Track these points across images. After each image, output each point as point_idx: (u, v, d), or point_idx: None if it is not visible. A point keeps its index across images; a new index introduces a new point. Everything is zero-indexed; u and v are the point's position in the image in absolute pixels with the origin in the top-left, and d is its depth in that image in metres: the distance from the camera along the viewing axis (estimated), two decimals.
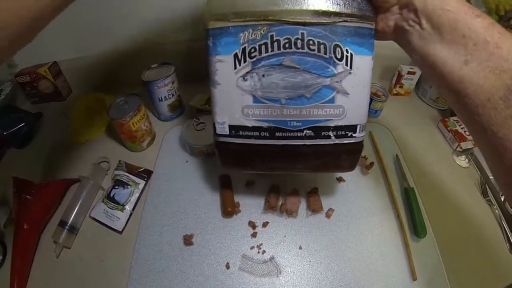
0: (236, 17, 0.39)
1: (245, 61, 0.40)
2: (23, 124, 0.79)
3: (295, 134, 0.43)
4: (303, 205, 0.64)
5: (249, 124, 0.43)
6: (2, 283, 0.53)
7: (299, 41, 0.39)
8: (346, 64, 0.40)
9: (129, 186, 0.65)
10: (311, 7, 0.38)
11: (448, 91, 0.34)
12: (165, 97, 0.77)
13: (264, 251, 0.56)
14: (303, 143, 0.44)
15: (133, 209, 0.63)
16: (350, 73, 0.41)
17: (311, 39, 0.39)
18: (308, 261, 0.56)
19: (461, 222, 0.63)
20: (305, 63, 0.40)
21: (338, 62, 0.40)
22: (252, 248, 0.57)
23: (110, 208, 0.62)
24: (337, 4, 0.38)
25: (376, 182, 0.69)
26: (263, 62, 0.40)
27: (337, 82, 0.41)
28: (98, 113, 0.79)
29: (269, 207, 0.62)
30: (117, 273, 0.55)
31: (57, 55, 0.89)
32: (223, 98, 0.43)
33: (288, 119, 0.43)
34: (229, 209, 0.61)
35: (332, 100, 0.42)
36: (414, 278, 0.54)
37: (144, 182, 0.67)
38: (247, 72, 0.41)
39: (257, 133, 0.44)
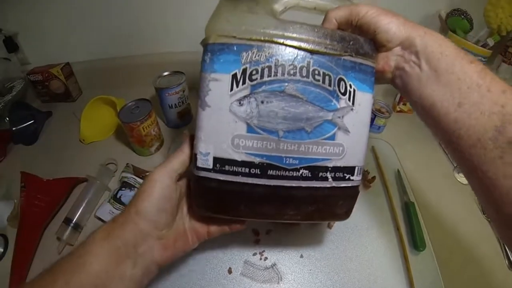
0: (242, 35, 0.36)
1: (244, 83, 0.36)
2: (32, 121, 0.81)
3: (290, 173, 0.38)
4: None
5: (238, 158, 0.36)
6: (2, 275, 0.54)
7: (304, 68, 0.36)
8: (349, 99, 0.38)
9: (135, 189, 0.66)
10: (318, 37, 0.37)
11: (443, 133, 0.36)
12: (175, 104, 0.78)
13: (266, 258, 0.57)
14: (298, 184, 0.38)
15: None
16: (352, 109, 0.39)
17: (316, 69, 0.37)
18: (309, 269, 0.57)
19: (461, 238, 0.64)
20: (309, 93, 0.37)
21: (342, 96, 0.38)
22: (254, 254, 0.58)
23: (116, 209, 0.63)
24: (343, 38, 0.38)
25: (377, 196, 0.71)
26: (263, 87, 0.36)
27: (339, 117, 0.38)
28: (108, 116, 0.81)
29: None
30: None
31: (70, 56, 0.91)
32: (211, 123, 0.36)
33: (284, 155, 0.37)
34: None
35: (332, 137, 0.38)
36: None
37: None
38: (245, 96, 0.36)
39: (247, 170, 0.37)
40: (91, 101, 0.79)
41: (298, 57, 0.36)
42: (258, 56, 0.36)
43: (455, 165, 0.77)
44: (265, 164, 0.37)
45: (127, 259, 0.36)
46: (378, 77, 0.42)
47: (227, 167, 0.37)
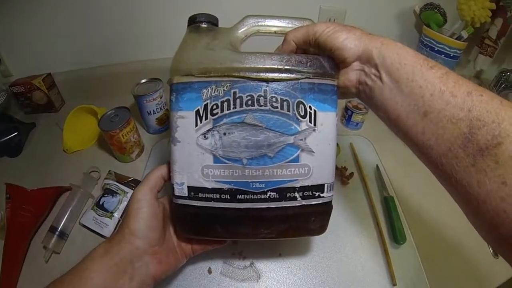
0: (200, 73, 0.38)
1: (206, 118, 0.38)
2: (16, 133, 0.82)
3: (258, 196, 0.40)
4: None
5: (209, 185, 0.40)
6: None
7: (261, 98, 0.38)
8: (310, 121, 0.39)
9: (118, 195, 0.67)
10: (274, 65, 0.38)
11: (413, 144, 0.35)
12: (153, 110, 0.80)
13: (244, 257, 0.58)
14: (267, 206, 0.40)
15: (121, 217, 0.65)
16: (314, 130, 0.39)
17: (274, 96, 0.38)
18: (288, 267, 0.58)
19: (443, 230, 0.65)
20: (268, 120, 0.38)
21: (302, 119, 0.39)
22: (233, 254, 0.59)
23: (99, 215, 0.64)
24: (300, 62, 0.39)
25: (355, 191, 0.72)
26: (224, 120, 0.38)
27: (301, 140, 0.39)
28: (89, 125, 0.82)
29: None
30: None
31: (52, 67, 0.92)
32: (182, 156, 0.40)
33: (250, 180, 0.39)
34: None
35: (296, 159, 0.39)
36: (393, 283, 0.56)
37: (132, 191, 0.69)
38: (208, 130, 0.38)
39: (217, 196, 0.40)
40: (73, 111, 0.80)
41: (255, 88, 0.38)
42: (217, 91, 0.38)
43: None
44: (233, 190, 0.39)
45: (124, 274, 0.39)
46: (343, 92, 0.42)
47: (200, 194, 0.40)
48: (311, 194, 0.41)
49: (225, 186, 0.39)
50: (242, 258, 0.59)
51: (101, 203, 0.65)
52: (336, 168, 0.75)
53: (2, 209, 0.64)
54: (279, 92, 0.38)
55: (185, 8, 0.84)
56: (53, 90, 0.92)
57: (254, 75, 0.38)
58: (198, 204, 0.40)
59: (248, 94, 0.38)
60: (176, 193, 0.41)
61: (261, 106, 0.38)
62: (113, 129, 0.69)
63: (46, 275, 0.58)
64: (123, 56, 0.93)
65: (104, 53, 0.92)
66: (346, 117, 0.88)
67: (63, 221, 0.63)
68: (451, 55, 0.85)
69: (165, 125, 0.86)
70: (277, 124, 0.39)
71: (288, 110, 0.39)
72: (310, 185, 0.41)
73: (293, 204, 0.41)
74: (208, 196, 0.40)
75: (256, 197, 0.40)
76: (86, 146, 0.82)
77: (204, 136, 0.39)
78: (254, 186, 0.39)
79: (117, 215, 0.65)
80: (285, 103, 0.38)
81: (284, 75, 0.38)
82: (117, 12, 0.86)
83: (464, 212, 0.35)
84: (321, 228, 0.46)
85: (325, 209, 0.44)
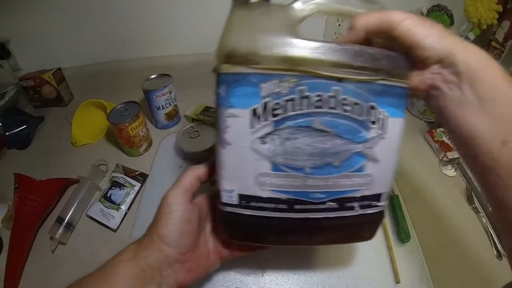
0: (258, 62, 0.31)
1: (266, 120, 0.33)
2: (25, 126, 0.83)
3: (317, 206, 0.36)
4: None
5: (264, 195, 0.35)
6: None
7: (332, 99, 0.33)
8: (380, 128, 0.35)
9: (125, 188, 0.67)
10: (347, 60, 0.32)
11: (478, 168, 0.32)
12: (162, 106, 0.80)
13: None
14: (325, 215, 0.37)
15: (128, 209, 0.66)
16: (383, 138, 0.35)
17: (346, 98, 0.33)
18: (293, 263, 0.58)
19: (447, 228, 0.64)
20: (336, 126, 0.34)
21: (372, 125, 0.34)
22: None
23: (106, 208, 0.64)
24: (374, 58, 0.33)
25: None
26: (287, 123, 0.33)
27: (369, 148, 0.35)
28: (98, 119, 0.83)
29: None
30: None
31: (62, 62, 0.93)
32: (233, 161, 0.35)
33: (310, 190, 0.35)
34: None
35: (361, 169, 0.36)
36: (397, 281, 0.55)
37: (140, 184, 0.70)
38: (267, 134, 0.33)
39: (273, 205, 0.36)
40: (82, 104, 0.81)
41: (325, 86, 0.33)
42: (280, 87, 0.32)
43: (440, 158, 0.78)
44: (291, 200, 0.36)
45: (151, 281, 0.36)
46: (411, 94, 0.37)
47: (252, 203, 0.36)
48: (368, 204, 0.38)
49: (283, 196, 0.35)
50: None
51: (108, 195, 0.66)
52: None
53: (10, 200, 0.65)
54: (352, 93, 0.33)
55: (194, 5, 0.85)
56: (63, 85, 0.93)
57: (325, 73, 0.32)
58: (250, 213, 0.36)
59: (317, 93, 0.32)
60: (224, 200, 0.37)
61: (331, 108, 0.33)
62: (122, 123, 0.69)
63: (51, 265, 0.58)
64: (133, 52, 0.94)
65: (114, 49, 0.93)
66: None
67: (70, 212, 0.64)
68: None
69: (174, 120, 0.86)
70: (346, 130, 0.34)
71: (360, 115, 0.34)
72: (369, 194, 0.38)
73: (351, 214, 0.38)
74: (263, 206, 0.36)
75: (314, 207, 0.36)
76: (94, 139, 0.83)
77: (262, 141, 0.33)
78: (314, 196, 0.36)
79: (124, 207, 0.65)
80: (357, 106, 0.33)
81: (358, 74, 0.33)
82: (127, 8, 0.87)
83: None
84: (371, 234, 0.43)
85: (379, 217, 0.41)
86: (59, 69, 0.92)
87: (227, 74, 0.32)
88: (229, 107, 0.32)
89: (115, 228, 0.63)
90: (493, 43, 0.90)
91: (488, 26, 0.82)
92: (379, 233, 0.62)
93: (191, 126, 0.78)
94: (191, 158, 0.74)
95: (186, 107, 0.90)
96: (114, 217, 0.64)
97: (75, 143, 0.81)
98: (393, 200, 0.68)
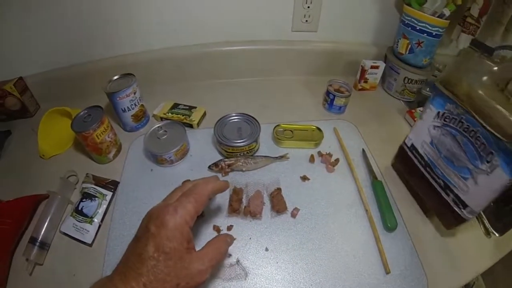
0: (451, 91, 0.53)
1: (440, 119, 0.57)
2: None
3: (434, 176, 0.61)
4: (267, 206, 0.64)
5: (421, 151, 0.64)
6: None
7: (473, 132, 0.50)
8: (489, 168, 0.49)
9: (96, 198, 0.65)
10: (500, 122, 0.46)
11: None
12: (127, 107, 0.77)
13: (230, 255, 0.57)
14: (435, 185, 0.61)
15: (101, 221, 0.63)
16: (487, 174, 0.49)
17: (480, 137, 0.49)
18: (276, 262, 0.57)
19: None
20: (467, 146, 0.52)
21: (485, 163, 0.49)
22: None
23: (79, 222, 0.62)
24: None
25: (342, 178, 0.70)
26: (447, 128, 0.56)
27: (476, 172, 0.51)
28: (65, 127, 0.79)
29: (232, 211, 0.62)
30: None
31: (22, 70, 0.88)
32: (418, 128, 0.63)
33: (437, 165, 0.60)
34: None
35: (465, 179, 0.53)
36: (387, 271, 0.55)
37: (111, 193, 0.67)
38: (437, 126, 0.58)
39: (419, 159, 0.64)
40: (45, 114, 0.77)
41: (473, 124, 0.50)
42: (453, 109, 0.54)
43: None
44: (427, 163, 0.62)
45: None
46: None
47: (414, 152, 0.66)
48: (457, 202, 0.56)
49: (426, 157, 0.62)
50: (227, 255, 0.57)
51: (80, 208, 0.63)
52: (321, 154, 0.74)
53: None
54: (484, 136, 0.48)
55: (151, 1, 0.81)
56: (26, 94, 0.88)
57: (481, 119, 0.48)
58: (411, 156, 0.66)
59: (468, 124, 0.51)
60: (406, 142, 0.68)
61: (471, 136, 0.51)
62: (86, 130, 0.66)
63: None
64: (94, 53, 0.89)
65: (74, 51, 0.88)
66: (328, 101, 0.86)
67: (43, 230, 0.61)
68: (433, 33, 0.83)
69: (142, 121, 0.83)
70: (469, 151, 0.52)
71: (482, 151, 0.49)
72: (461, 198, 0.55)
73: (444, 197, 0.59)
74: (417, 156, 0.65)
75: (434, 176, 0.61)
76: (63, 149, 0.79)
77: (434, 127, 0.59)
78: (435, 170, 0.60)
79: (97, 220, 0.63)
80: (483, 146, 0.49)
81: (495, 131, 0.46)
82: (84, 8, 0.82)
83: None
84: (448, 225, 0.61)
85: (457, 218, 0.56)
86: (21, 78, 0.87)
87: (436, 88, 0.57)
88: (431, 104, 0.59)
89: (90, 242, 0.60)
90: (468, 19, 0.88)
91: (463, 2, 0.81)
92: (366, 224, 0.62)
93: (158, 126, 0.75)
94: (161, 160, 0.72)
95: (154, 106, 0.87)
96: (88, 231, 0.61)
97: (43, 155, 0.77)
98: (377, 187, 0.67)
